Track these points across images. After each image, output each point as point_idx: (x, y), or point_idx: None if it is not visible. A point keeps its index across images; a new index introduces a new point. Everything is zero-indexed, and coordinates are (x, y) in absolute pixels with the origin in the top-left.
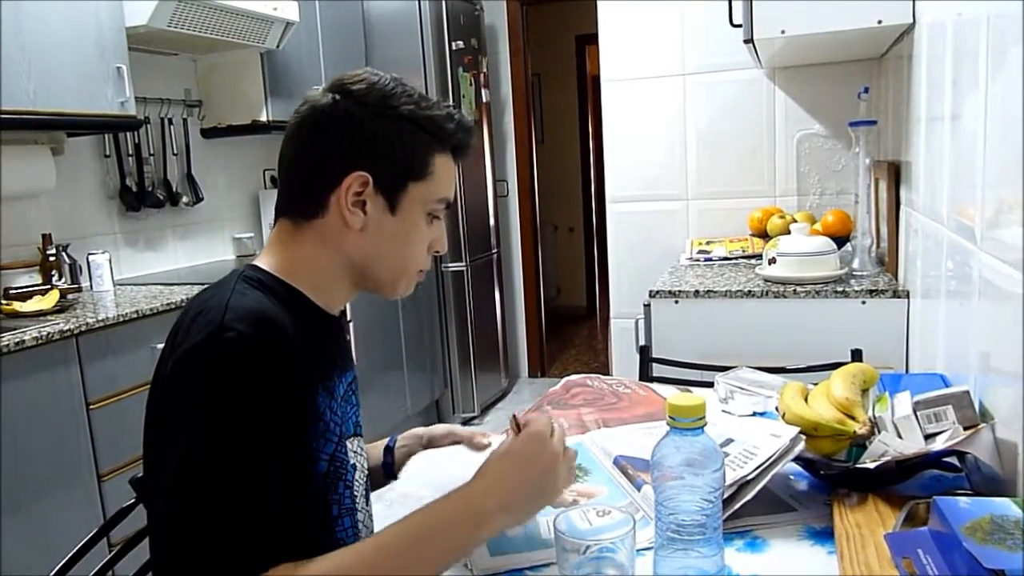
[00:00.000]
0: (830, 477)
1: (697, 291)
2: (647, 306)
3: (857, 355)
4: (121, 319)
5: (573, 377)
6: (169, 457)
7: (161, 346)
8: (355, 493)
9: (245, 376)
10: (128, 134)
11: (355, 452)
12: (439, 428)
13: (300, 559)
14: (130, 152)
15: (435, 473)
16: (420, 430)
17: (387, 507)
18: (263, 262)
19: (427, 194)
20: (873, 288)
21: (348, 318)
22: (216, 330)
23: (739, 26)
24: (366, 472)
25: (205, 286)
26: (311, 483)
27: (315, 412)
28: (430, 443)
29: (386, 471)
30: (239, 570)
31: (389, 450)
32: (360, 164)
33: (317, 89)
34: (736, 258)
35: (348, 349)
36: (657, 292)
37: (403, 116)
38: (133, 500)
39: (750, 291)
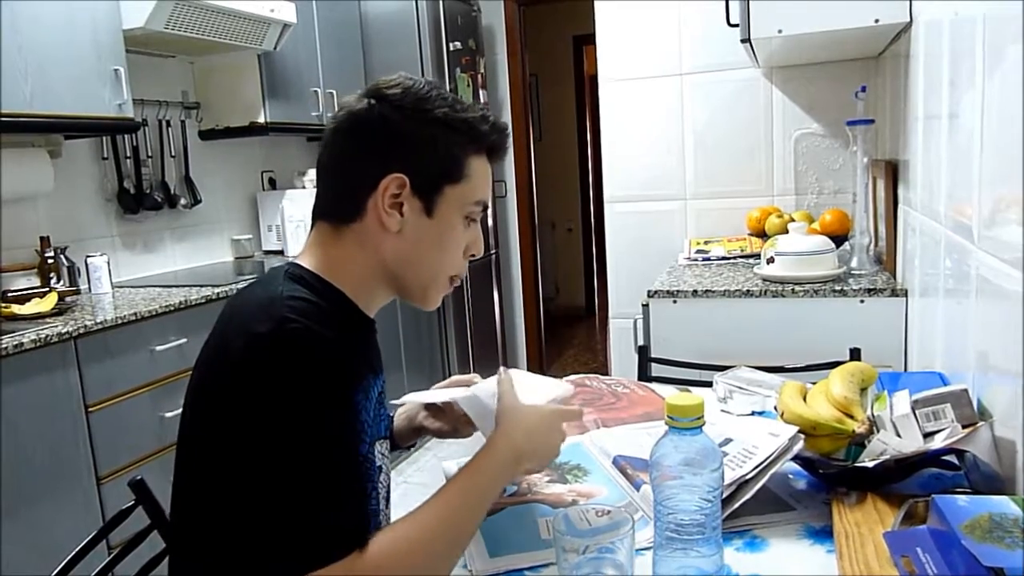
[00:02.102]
0: (829, 476)
1: (695, 291)
2: (646, 306)
3: (855, 354)
4: (120, 321)
5: (572, 377)
6: (240, 446)
7: (160, 348)
8: (379, 495)
9: (316, 365)
10: (126, 136)
11: (382, 454)
12: (439, 385)
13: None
14: (128, 154)
15: None
16: (418, 395)
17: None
18: (304, 262)
19: (463, 196)
20: (871, 287)
21: None
22: (280, 321)
23: (736, 26)
24: (389, 475)
25: (204, 287)
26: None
27: (355, 410)
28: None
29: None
30: (324, 552)
31: (389, 417)
32: (397, 166)
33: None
34: (734, 257)
35: (380, 353)
36: (656, 292)
37: (438, 119)
38: (132, 502)
39: (748, 291)
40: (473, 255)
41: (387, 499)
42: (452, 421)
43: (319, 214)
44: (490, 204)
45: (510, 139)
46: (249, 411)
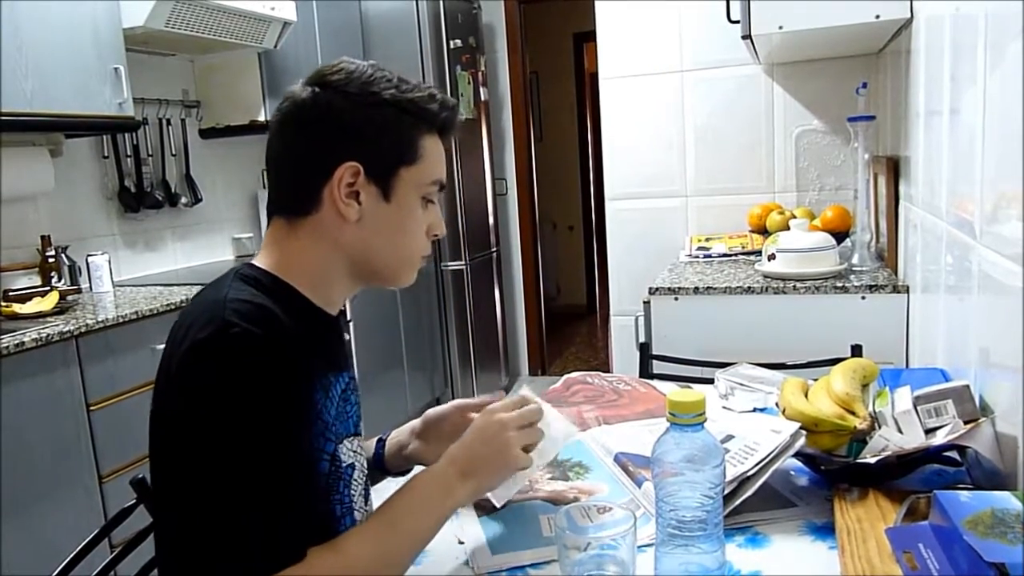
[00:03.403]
0: (831, 472)
1: (697, 288)
2: (647, 303)
3: (857, 350)
4: (121, 320)
5: (573, 375)
6: (181, 457)
7: (161, 347)
8: (354, 492)
9: (254, 371)
10: (126, 135)
11: (354, 452)
12: (435, 409)
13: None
14: (128, 153)
15: None
16: (413, 422)
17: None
18: (259, 261)
19: (419, 178)
20: (873, 283)
21: (348, 318)
22: (220, 326)
23: (737, 22)
24: (365, 471)
25: (204, 286)
26: (315, 482)
27: (313, 410)
28: (429, 427)
29: (376, 462)
30: (259, 565)
31: (381, 442)
32: (349, 155)
33: (298, 83)
34: (736, 254)
35: (345, 349)
36: (657, 289)
37: (386, 101)
38: (134, 501)
39: (750, 287)
40: (436, 235)
41: (365, 495)
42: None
43: (274, 210)
44: (445, 182)
45: (460, 115)
46: (189, 422)
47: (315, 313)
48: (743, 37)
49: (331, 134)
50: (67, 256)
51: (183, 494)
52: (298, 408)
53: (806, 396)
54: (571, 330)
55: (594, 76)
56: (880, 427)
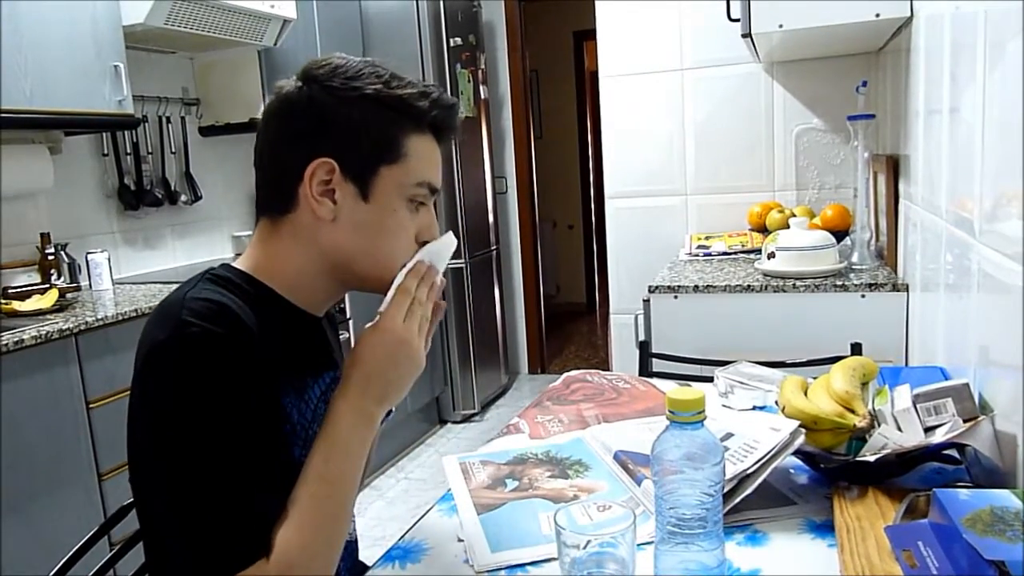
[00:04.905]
0: (830, 470)
1: (697, 286)
2: (647, 301)
3: (857, 349)
4: (120, 318)
5: (573, 373)
6: (150, 458)
7: None
8: None
9: (212, 369)
10: (126, 133)
11: None
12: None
13: None
14: (128, 151)
15: None
16: None
17: (388, 504)
18: (240, 262)
19: (403, 178)
20: (872, 282)
21: (348, 316)
22: (178, 326)
23: (737, 20)
24: None
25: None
26: (287, 481)
27: (280, 410)
28: None
29: None
30: (228, 563)
31: None
32: (324, 150)
33: (290, 79)
34: (735, 253)
35: (329, 350)
36: (657, 287)
37: (368, 96)
38: (133, 499)
39: (749, 286)
40: (426, 241)
41: None
42: None
43: (259, 209)
44: (438, 186)
45: (458, 115)
46: (152, 423)
47: (294, 314)
48: (743, 35)
49: (307, 128)
50: (67, 254)
51: (154, 494)
52: (260, 404)
53: (805, 394)
54: (571, 328)
55: (594, 74)
56: (879, 425)
